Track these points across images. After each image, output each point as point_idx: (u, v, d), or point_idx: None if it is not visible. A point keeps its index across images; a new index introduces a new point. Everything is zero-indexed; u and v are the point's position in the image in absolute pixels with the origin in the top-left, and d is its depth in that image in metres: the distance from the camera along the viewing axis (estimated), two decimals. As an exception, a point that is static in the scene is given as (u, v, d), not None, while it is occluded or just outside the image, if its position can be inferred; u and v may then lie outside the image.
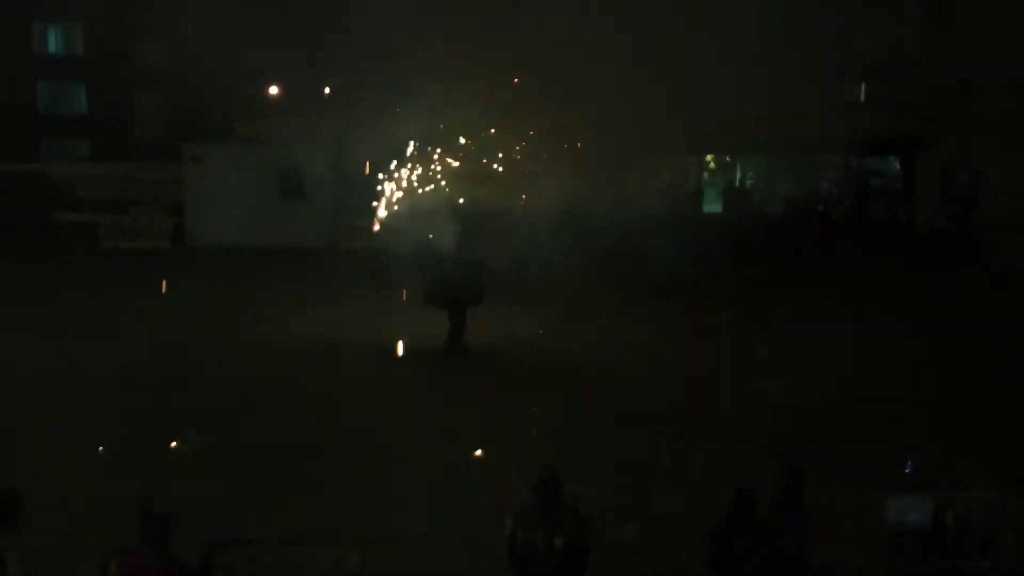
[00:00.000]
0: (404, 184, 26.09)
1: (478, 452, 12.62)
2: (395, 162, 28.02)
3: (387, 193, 22.03)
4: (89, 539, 8.60)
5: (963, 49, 32.07)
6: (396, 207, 23.08)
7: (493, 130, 27.52)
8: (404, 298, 19.78)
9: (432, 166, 28.78)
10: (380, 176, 27.36)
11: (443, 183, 25.64)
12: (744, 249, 27.70)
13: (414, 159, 27.70)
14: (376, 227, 19.34)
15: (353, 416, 14.55)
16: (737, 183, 37.36)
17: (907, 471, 10.11)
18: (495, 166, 25.28)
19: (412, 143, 22.51)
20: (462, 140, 30.28)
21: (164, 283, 23.86)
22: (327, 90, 46.84)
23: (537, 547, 7.74)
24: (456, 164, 24.10)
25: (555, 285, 21.52)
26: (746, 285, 24.03)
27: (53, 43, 46.65)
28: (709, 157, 38.11)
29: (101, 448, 13.31)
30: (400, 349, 18.03)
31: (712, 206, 36.27)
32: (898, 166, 37.41)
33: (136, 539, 7.21)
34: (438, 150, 23.85)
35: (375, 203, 21.88)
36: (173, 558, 7.20)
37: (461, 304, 18.16)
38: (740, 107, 34.89)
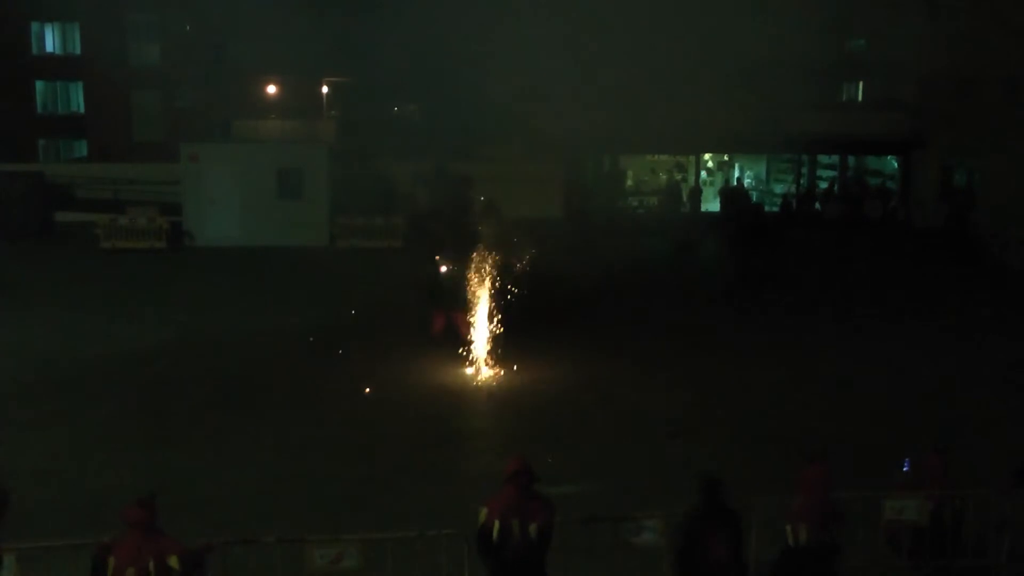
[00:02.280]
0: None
1: None
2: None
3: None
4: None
5: (960, 48, 32.09)
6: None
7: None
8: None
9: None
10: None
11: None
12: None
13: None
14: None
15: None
16: (735, 182, 37.29)
17: (904, 468, 10.12)
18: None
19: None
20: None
21: (158, 284, 23.92)
22: (324, 90, 46.87)
23: (513, 535, 8.00)
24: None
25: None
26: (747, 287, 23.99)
27: (50, 43, 46.59)
28: (707, 156, 38.07)
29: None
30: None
31: (710, 205, 36.27)
32: (896, 165, 37.40)
33: (125, 527, 7.43)
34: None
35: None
36: (162, 532, 7.61)
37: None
38: (738, 106, 34.99)
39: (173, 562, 7.64)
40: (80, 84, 45.93)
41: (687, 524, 8.21)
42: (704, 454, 12.96)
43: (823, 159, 38.57)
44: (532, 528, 8.01)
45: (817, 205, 36.00)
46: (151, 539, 7.63)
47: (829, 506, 8.53)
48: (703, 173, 37.68)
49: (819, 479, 8.52)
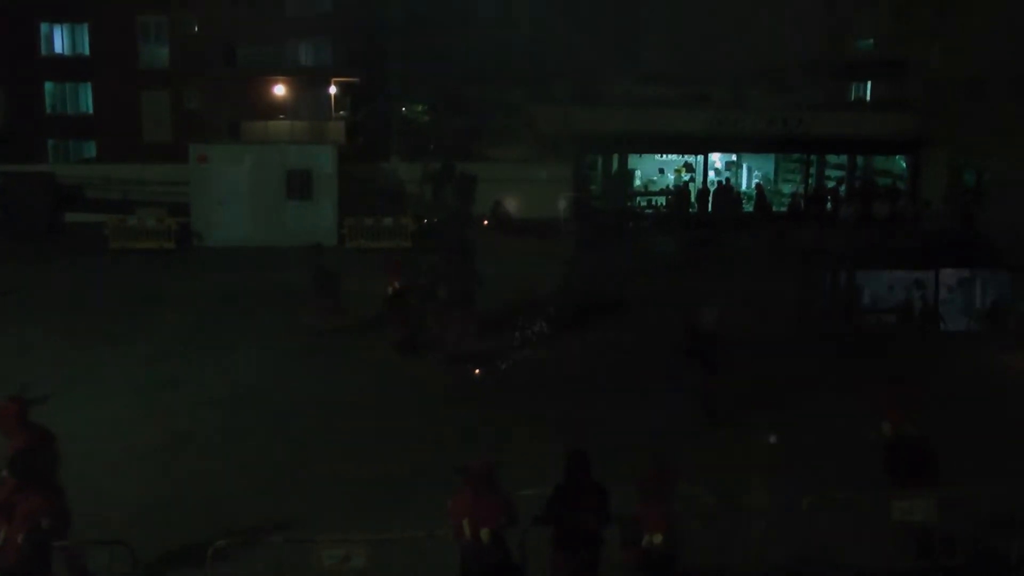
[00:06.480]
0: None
1: None
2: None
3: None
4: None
5: (969, 47, 32.00)
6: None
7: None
8: None
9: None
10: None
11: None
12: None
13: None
14: None
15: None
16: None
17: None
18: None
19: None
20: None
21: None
22: (332, 90, 46.94)
23: (464, 535, 8.19)
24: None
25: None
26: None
27: (59, 43, 46.74)
28: (716, 155, 38.00)
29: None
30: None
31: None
32: (904, 165, 37.30)
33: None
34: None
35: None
36: None
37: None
38: (744, 105, 34.95)
39: None
40: (89, 85, 46.06)
41: (554, 493, 8.50)
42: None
43: (831, 159, 38.48)
44: (484, 533, 8.12)
45: (829, 205, 35.90)
46: None
47: (672, 512, 8.65)
48: (711, 173, 37.59)
49: (660, 484, 8.62)
